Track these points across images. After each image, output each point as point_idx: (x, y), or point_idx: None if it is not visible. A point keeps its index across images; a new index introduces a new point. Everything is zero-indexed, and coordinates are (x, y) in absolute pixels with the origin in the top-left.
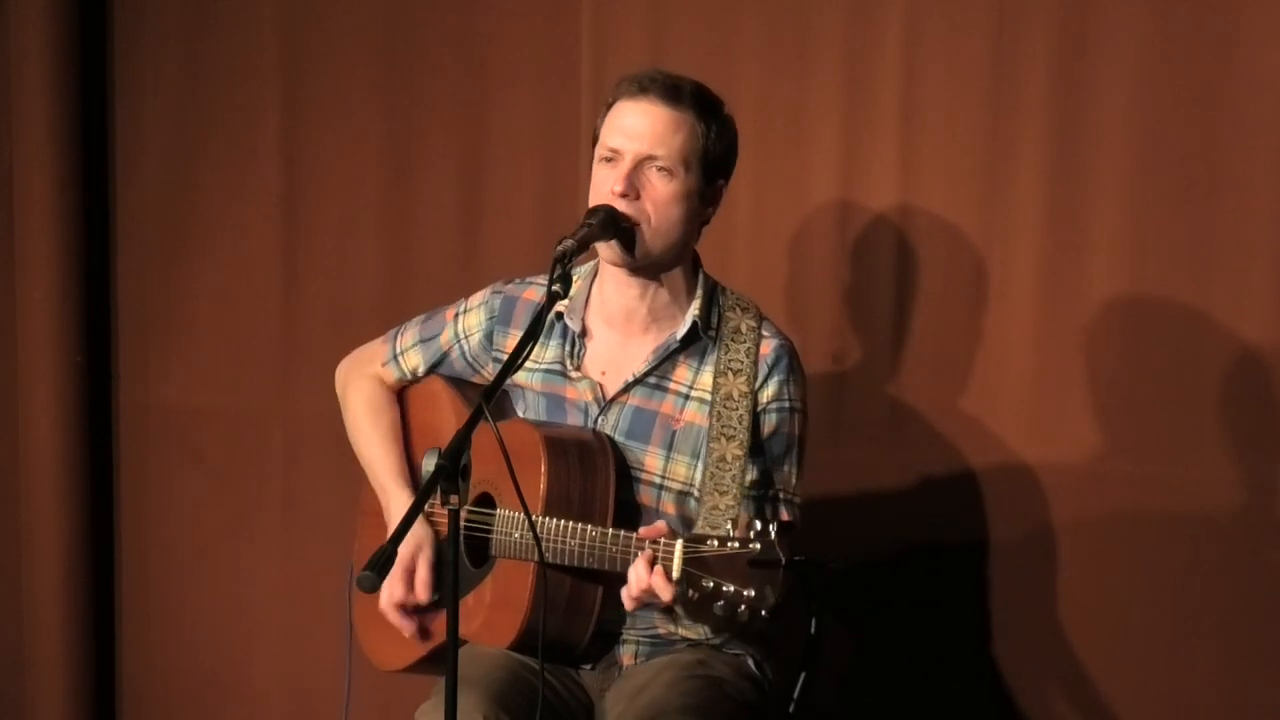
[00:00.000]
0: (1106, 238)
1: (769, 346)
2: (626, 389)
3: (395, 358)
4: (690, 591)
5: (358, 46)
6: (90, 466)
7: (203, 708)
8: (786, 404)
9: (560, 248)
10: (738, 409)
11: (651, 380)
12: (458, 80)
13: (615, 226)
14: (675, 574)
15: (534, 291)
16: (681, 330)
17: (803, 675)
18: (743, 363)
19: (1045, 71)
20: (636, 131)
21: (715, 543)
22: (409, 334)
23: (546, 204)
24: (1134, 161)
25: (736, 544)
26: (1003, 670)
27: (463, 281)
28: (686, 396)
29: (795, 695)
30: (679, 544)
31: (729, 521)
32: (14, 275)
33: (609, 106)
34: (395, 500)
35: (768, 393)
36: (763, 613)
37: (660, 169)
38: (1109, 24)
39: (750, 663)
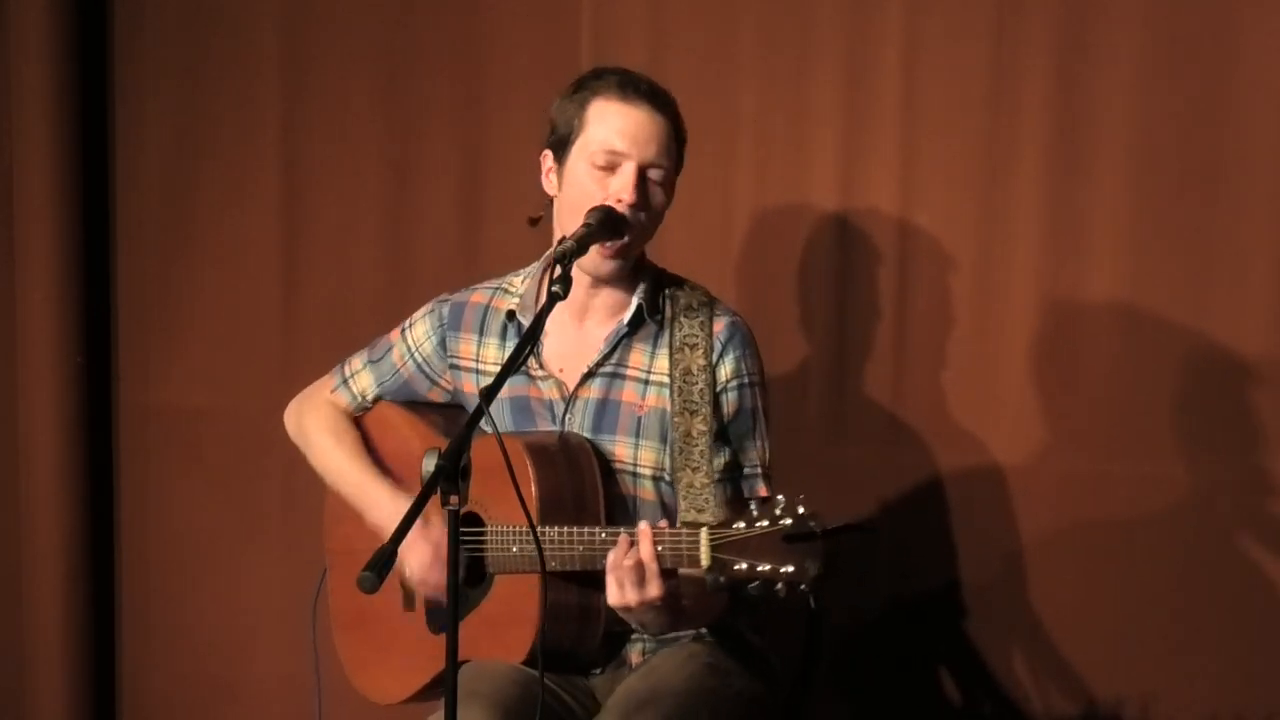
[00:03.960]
0: (1106, 238)
1: (721, 324)
2: (584, 380)
3: (345, 382)
4: (720, 578)
5: (358, 46)
6: (90, 466)
7: (203, 708)
8: (745, 379)
9: (560, 248)
10: (697, 383)
11: (608, 368)
12: (458, 80)
13: (615, 227)
14: (704, 562)
15: (480, 295)
16: (628, 315)
17: (805, 666)
18: (697, 336)
19: (1045, 72)
20: (643, 138)
21: (742, 525)
22: (356, 360)
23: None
24: (1134, 162)
25: (766, 523)
26: (1000, 668)
27: (462, 281)
28: (646, 382)
29: (797, 684)
30: (703, 532)
31: (753, 503)
32: (14, 275)
33: (585, 104)
34: (375, 492)
35: (726, 370)
36: (803, 586)
37: (657, 182)
38: (1109, 24)
39: (757, 652)
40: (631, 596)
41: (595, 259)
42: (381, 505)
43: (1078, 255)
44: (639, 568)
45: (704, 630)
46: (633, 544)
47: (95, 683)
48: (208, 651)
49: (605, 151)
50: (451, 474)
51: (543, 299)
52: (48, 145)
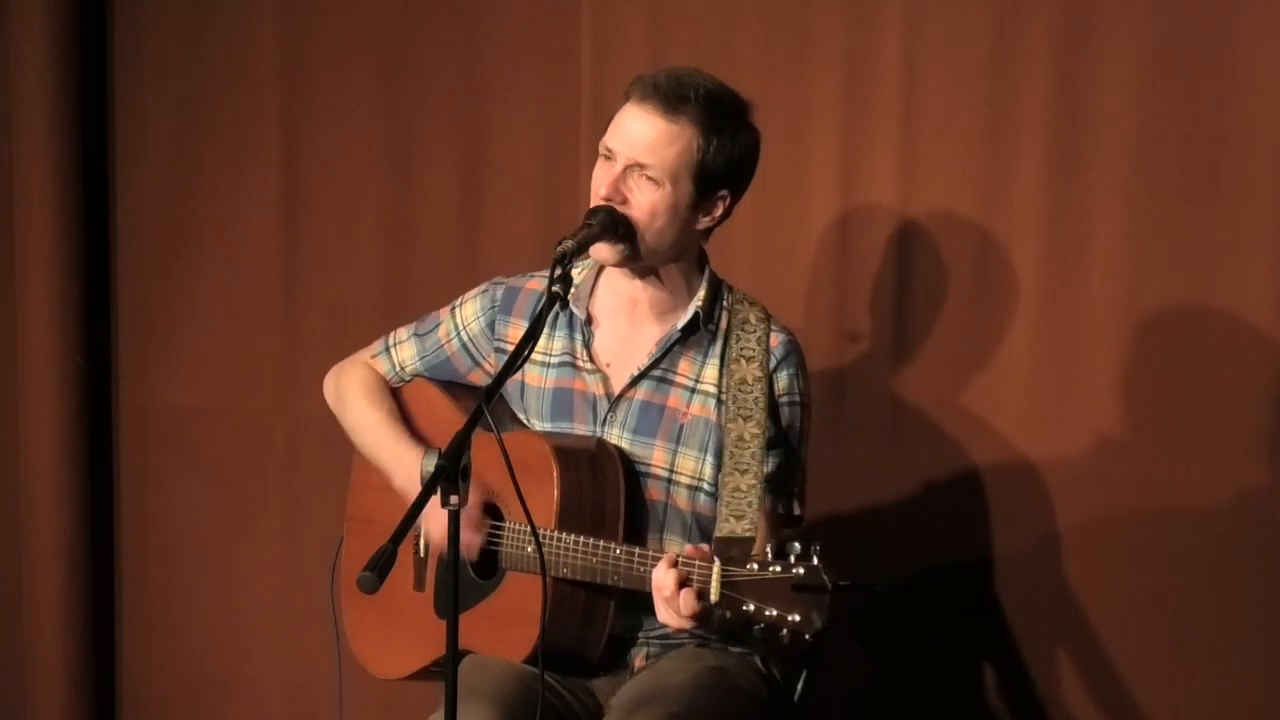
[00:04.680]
0: (1106, 237)
1: (778, 339)
2: (633, 383)
3: (387, 350)
4: (728, 614)
5: (358, 46)
6: (90, 466)
7: (203, 708)
8: (797, 398)
9: (560, 249)
10: (753, 391)
11: (657, 373)
12: (458, 80)
13: (616, 228)
14: (714, 598)
15: (537, 283)
16: (683, 321)
17: (805, 672)
18: (754, 350)
19: (1045, 71)
20: (631, 138)
21: (755, 566)
22: (402, 331)
23: (546, 204)
24: (1134, 161)
25: (778, 568)
26: (1001, 668)
27: (462, 281)
28: (693, 390)
29: (798, 690)
30: (716, 567)
31: (768, 545)
32: (14, 275)
33: (626, 99)
34: (402, 455)
35: (780, 386)
36: (808, 637)
37: (649, 178)
38: (1109, 24)
39: (757, 660)
40: (669, 618)
41: (601, 250)
42: (407, 470)
43: (1078, 254)
44: (660, 593)
45: (708, 637)
46: (669, 566)
47: (95, 683)
48: (208, 651)
49: (605, 145)
50: (452, 474)
51: (599, 291)
52: (48, 145)
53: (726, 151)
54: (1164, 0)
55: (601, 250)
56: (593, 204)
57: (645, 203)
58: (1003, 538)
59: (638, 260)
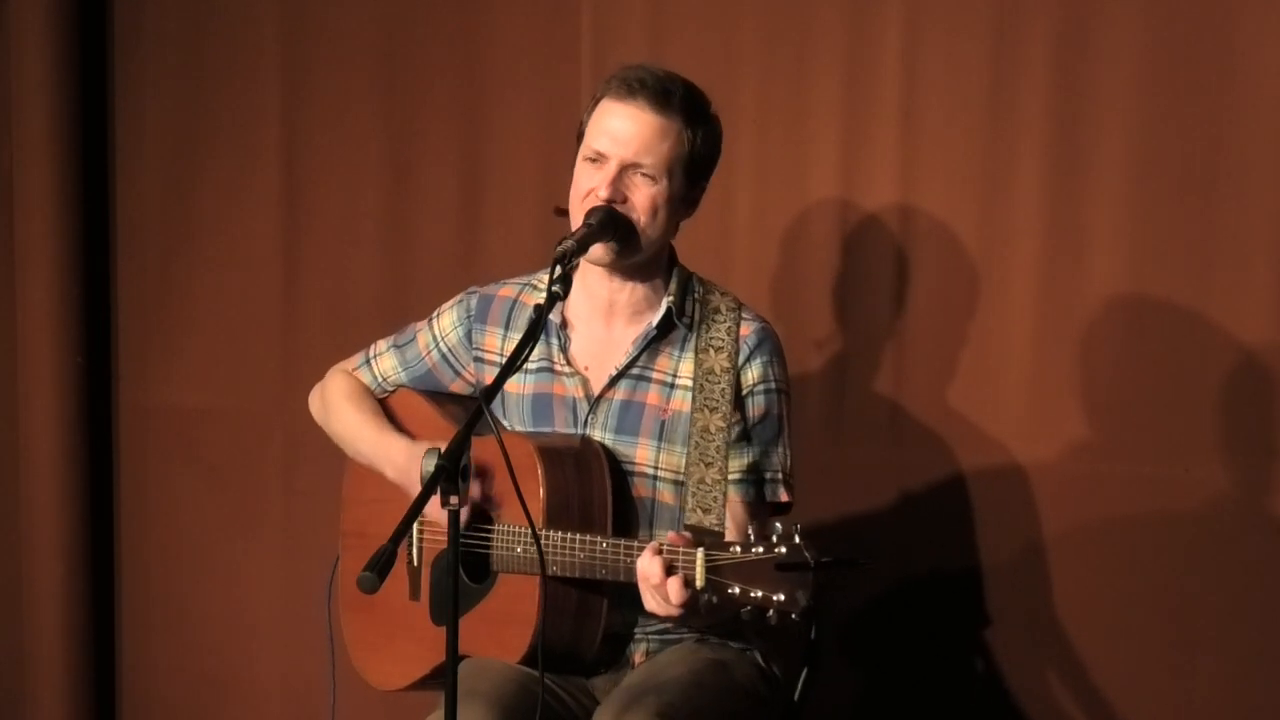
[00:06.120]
0: (1106, 238)
1: (749, 328)
2: (612, 383)
3: (368, 361)
4: (714, 598)
5: (358, 46)
6: (90, 466)
7: (203, 708)
8: (773, 385)
9: (560, 248)
10: (719, 383)
11: (635, 371)
12: (458, 80)
13: (615, 227)
14: (699, 583)
15: (510, 290)
16: (657, 318)
17: (804, 671)
18: (723, 340)
19: (1045, 72)
20: (624, 137)
21: (738, 549)
22: (381, 343)
23: (546, 204)
24: (1134, 162)
25: (761, 549)
26: (1000, 669)
27: (463, 282)
28: (671, 385)
29: (798, 688)
30: (700, 552)
31: (750, 528)
32: (14, 275)
33: (596, 102)
34: (395, 448)
35: (753, 374)
36: (793, 616)
37: (645, 175)
38: (1109, 24)
39: (758, 656)
40: (658, 607)
41: (597, 250)
42: (395, 459)
43: (1077, 254)
44: (663, 591)
45: (707, 633)
46: (666, 569)
47: (95, 683)
48: (208, 651)
49: (593, 149)
50: (451, 474)
51: (573, 295)
52: (48, 146)
53: (710, 142)
54: (1164, 0)
55: (599, 250)
56: (585, 207)
57: (645, 200)
58: (1002, 537)
59: (633, 257)
